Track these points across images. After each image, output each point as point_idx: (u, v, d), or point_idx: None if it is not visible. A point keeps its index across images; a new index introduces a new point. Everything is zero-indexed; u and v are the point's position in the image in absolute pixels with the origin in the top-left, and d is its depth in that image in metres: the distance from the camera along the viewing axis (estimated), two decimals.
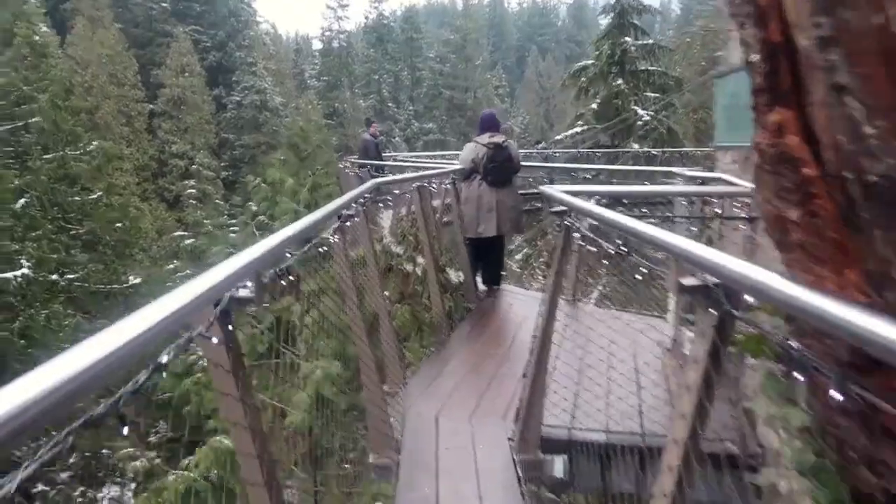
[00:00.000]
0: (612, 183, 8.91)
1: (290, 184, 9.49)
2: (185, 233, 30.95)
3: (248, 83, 40.50)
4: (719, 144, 4.35)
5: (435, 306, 5.38)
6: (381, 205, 8.71)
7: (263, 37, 56.20)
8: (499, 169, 6.28)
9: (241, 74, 43.10)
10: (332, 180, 12.92)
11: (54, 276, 12.53)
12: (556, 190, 2.68)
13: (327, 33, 57.95)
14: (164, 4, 45.33)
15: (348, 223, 2.93)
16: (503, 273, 7.49)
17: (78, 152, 14.95)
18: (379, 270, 3.72)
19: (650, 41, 27.17)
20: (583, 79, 26.95)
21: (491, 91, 66.06)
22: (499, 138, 6.45)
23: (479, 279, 6.86)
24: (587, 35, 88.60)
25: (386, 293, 4.57)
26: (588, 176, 6.07)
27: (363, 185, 3.59)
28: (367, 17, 67.06)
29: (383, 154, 14.27)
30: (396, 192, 8.06)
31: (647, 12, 28.08)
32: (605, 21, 30.30)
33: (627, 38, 25.29)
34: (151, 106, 39.96)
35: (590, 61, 27.19)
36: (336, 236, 2.75)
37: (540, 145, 20.52)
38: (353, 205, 3.17)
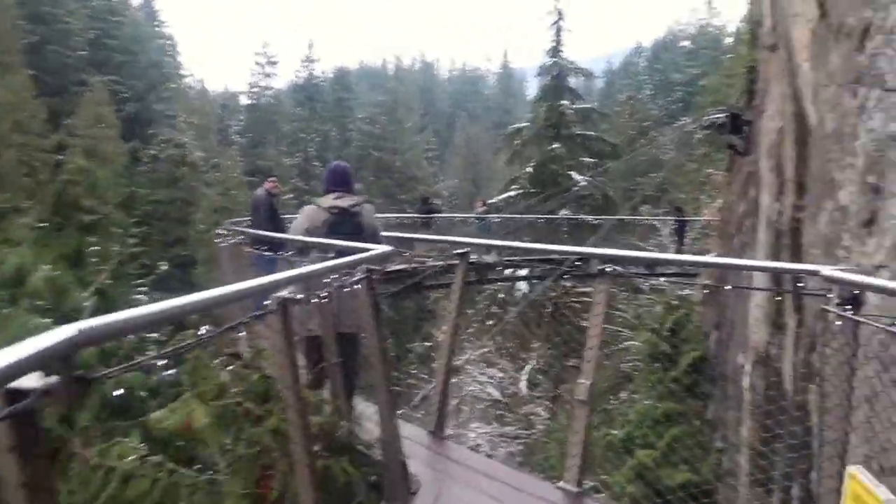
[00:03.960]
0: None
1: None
2: (85, 294, 28.00)
3: (166, 136, 38.34)
4: None
5: None
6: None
7: (187, 90, 54.21)
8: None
9: (158, 127, 40.98)
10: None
11: None
12: None
13: (255, 89, 56.81)
14: (81, 53, 42.97)
15: None
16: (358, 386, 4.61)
17: None
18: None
19: (587, 105, 27.24)
20: (517, 141, 26.56)
21: (420, 154, 65.97)
22: (346, 201, 4.62)
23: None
24: (514, 103, 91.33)
25: None
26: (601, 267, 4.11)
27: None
28: (297, 76, 66.41)
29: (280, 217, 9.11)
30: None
31: (584, 75, 28.26)
32: (536, 84, 30.50)
33: (564, 101, 25.16)
34: (59, 157, 37.21)
35: (525, 123, 26.90)
36: None
37: (481, 209, 19.34)
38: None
